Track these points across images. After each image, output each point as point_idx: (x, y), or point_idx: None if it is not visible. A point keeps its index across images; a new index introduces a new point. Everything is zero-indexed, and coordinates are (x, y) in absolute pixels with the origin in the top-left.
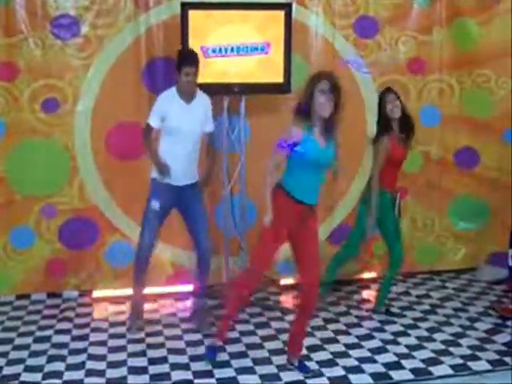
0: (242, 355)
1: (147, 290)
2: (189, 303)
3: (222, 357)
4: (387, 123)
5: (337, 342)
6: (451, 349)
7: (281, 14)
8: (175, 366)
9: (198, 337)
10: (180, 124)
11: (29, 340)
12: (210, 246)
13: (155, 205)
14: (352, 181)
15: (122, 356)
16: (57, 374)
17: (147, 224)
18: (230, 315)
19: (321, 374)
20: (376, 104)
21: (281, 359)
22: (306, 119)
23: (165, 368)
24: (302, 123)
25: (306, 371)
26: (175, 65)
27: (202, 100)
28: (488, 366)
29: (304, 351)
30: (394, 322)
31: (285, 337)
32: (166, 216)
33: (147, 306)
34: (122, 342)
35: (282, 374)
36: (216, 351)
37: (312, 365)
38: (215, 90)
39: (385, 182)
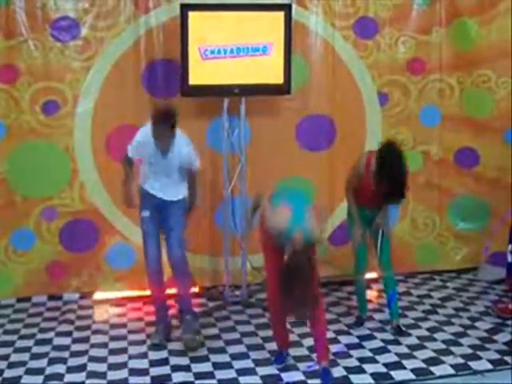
0: (243, 356)
1: (148, 292)
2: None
3: (223, 358)
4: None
5: (338, 342)
6: (452, 348)
7: (280, 15)
8: (176, 368)
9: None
10: (157, 168)
11: (30, 342)
12: (181, 254)
13: (145, 213)
14: None
15: (123, 358)
16: (58, 377)
17: (146, 236)
18: (276, 328)
19: None
20: (375, 105)
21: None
22: None
23: (166, 370)
24: None
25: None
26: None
27: (179, 150)
28: (489, 366)
29: (305, 351)
30: None
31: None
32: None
33: (147, 308)
34: (123, 344)
35: (283, 375)
36: (283, 357)
37: (312, 365)
38: (215, 92)
39: (358, 199)
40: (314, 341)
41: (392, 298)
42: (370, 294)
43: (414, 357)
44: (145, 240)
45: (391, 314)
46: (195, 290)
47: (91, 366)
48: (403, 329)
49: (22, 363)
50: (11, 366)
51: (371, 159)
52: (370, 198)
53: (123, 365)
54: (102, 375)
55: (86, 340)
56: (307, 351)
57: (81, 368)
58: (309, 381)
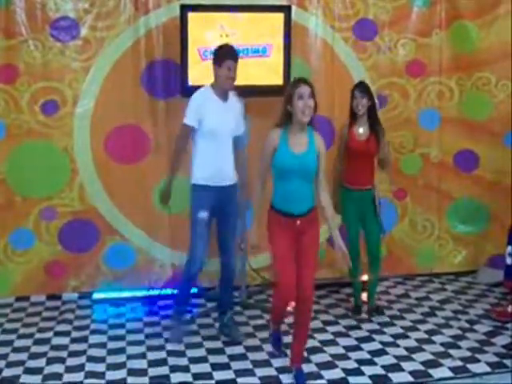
0: (242, 357)
1: (147, 292)
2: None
3: (222, 359)
4: (351, 116)
5: (336, 344)
6: (451, 351)
7: (280, 16)
8: (175, 368)
9: (197, 339)
10: (216, 124)
11: (28, 342)
12: (234, 265)
13: (203, 215)
14: None
15: (121, 358)
16: (56, 376)
17: (199, 238)
18: (273, 332)
19: (320, 377)
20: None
21: (280, 362)
22: (286, 125)
23: (164, 370)
24: (279, 130)
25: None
26: (213, 60)
27: (237, 100)
28: (487, 369)
29: (304, 353)
30: (394, 325)
31: (284, 338)
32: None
33: (147, 308)
34: (121, 344)
35: (281, 377)
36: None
37: (311, 367)
38: None
39: (346, 178)
40: (293, 342)
41: (374, 282)
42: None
43: (413, 359)
44: (195, 242)
45: (369, 297)
46: (194, 290)
47: (89, 366)
48: (377, 311)
49: (21, 362)
50: (10, 365)
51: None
52: (359, 155)
53: (122, 365)
54: (101, 375)
55: (84, 340)
56: (306, 353)
57: (79, 368)
58: (307, 382)
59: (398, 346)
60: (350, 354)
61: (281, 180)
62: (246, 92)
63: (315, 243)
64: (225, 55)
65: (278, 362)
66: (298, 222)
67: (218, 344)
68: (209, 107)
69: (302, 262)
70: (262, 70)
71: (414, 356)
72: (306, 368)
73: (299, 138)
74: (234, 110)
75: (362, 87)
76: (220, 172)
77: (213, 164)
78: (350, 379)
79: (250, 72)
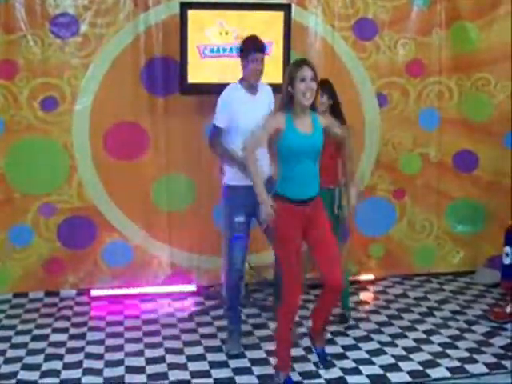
0: (240, 356)
1: (145, 290)
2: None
3: (220, 357)
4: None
5: (334, 343)
6: (448, 351)
7: (280, 14)
8: (173, 366)
9: (195, 337)
10: (246, 122)
11: (26, 338)
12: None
13: (240, 219)
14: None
15: (119, 355)
16: (54, 373)
17: (236, 245)
18: (283, 340)
19: (318, 376)
20: (374, 106)
21: None
22: (288, 108)
23: (162, 368)
24: (283, 114)
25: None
26: (239, 53)
27: (266, 90)
28: (485, 369)
29: (302, 352)
30: (392, 324)
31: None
32: (250, 223)
33: (145, 306)
34: (119, 341)
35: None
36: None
37: (309, 366)
38: (214, 90)
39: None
40: (314, 316)
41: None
42: (367, 295)
43: (411, 359)
44: (232, 250)
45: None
46: (192, 288)
47: (87, 363)
48: (347, 320)
49: (19, 359)
50: (7, 361)
51: None
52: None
53: (120, 362)
54: (99, 372)
55: (82, 337)
56: (304, 352)
57: (77, 365)
58: (306, 382)
59: (396, 345)
60: (348, 354)
61: (289, 164)
62: None
63: (329, 228)
64: (250, 48)
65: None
66: (307, 209)
67: (216, 342)
68: (237, 105)
69: (324, 251)
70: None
71: (411, 356)
72: (304, 367)
73: (303, 119)
74: (264, 102)
75: (322, 85)
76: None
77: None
78: (348, 379)
79: None
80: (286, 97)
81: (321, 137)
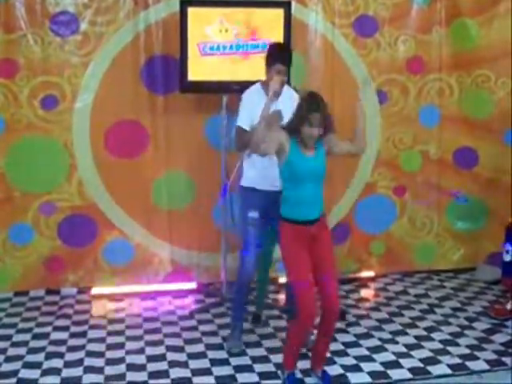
0: (241, 353)
1: (146, 288)
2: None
3: (221, 355)
4: None
5: (335, 340)
6: (449, 348)
7: (280, 12)
8: (173, 364)
9: (196, 335)
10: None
11: (27, 337)
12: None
13: (254, 215)
14: (348, 184)
15: (120, 353)
16: (55, 371)
17: (251, 238)
18: (294, 347)
19: None
20: (375, 103)
21: (279, 358)
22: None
23: (163, 365)
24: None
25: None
26: (265, 57)
27: (289, 94)
28: (486, 366)
29: (303, 350)
30: (393, 321)
31: (283, 335)
32: (268, 223)
33: (146, 304)
34: (120, 339)
35: (280, 372)
36: (295, 379)
37: (309, 363)
38: (214, 88)
39: None
40: (316, 347)
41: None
42: (367, 292)
43: (412, 356)
44: (247, 244)
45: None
46: (193, 286)
47: (88, 361)
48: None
49: (20, 357)
50: (8, 360)
51: None
52: None
53: (120, 360)
54: (99, 370)
55: (83, 335)
56: (305, 350)
57: (78, 363)
58: (307, 380)
59: (396, 342)
60: (349, 351)
61: (293, 185)
62: (244, 87)
63: (331, 248)
64: (276, 59)
65: (276, 358)
66: (312, 229)
67: (217, 340)
68: (258, 109)
69: (323, 271)
70: (261, 65)
71: (412, 353)
72: (304, 364)
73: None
74: (286, 106)
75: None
76: (266, 177)
77: (260, 168)
78: (349, 376)
79: (249, 67)
80: (291, 128)
81: (323, 159)
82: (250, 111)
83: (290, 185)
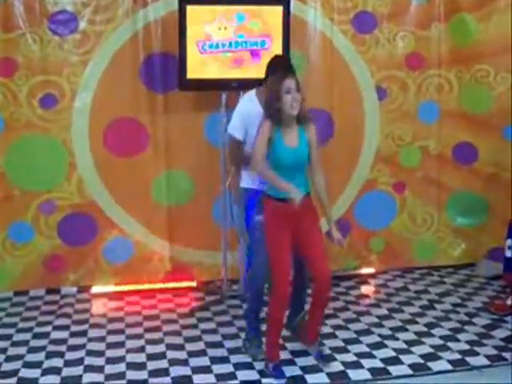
0: (240, 351)
1: (146, 286)
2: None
3: (221, 353)
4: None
5: (335, 336)
6: (449, 344)
7: (279, 9)
8: (174, 362)
9: (196, 333)
10: None
11: (27, 336)
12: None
13: (260, 218)
14: (348, 181)
15: (120, 352)
16: (55, 370)
17: (258, 243)
18: (275, 320)
19: (319, 369)
20: (374, 99)
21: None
22: (275, 120)
23: (163, 364)
24: (270, 123)
25: (323, 358)
26: (266, 70)
27: None
28: (486, 362)
29: (303, 346)
30: (393, 318)
31: (283, 332)
32: None
33: (146, 302)
34: (120, 337)
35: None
36: (281, 370)
37: (310, 360)
38: (213, 86)
39: None
40: (309, 322)
41: None
42: (367, 289)
43: (412, 352)
44: (256, 248)
45: None
46: (193, 284)
47: (89, 360)
48: None
49: (20, 356)
50: (9, 359)
51: None
52: None
53: (121, 359)
54: (100, 369)
55: (83, 334)
56: (304, 346)
57: (78, 362)
58: (307, 376)
59: (396, 339)
60: (349, 347)
61: (277, 172)
62: (244, 85)
63: (317, 224)
64: (272, 70)
65: None
66: (296, 206)
67: (216, 337)
68: (252, 118)
69: (311, 246)
70: (260, 62)
71: (412, 349)
72: (306, 361)
73: (290, 131)
74: None
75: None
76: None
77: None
78: (349, 372)
79: (248, 65)
80: (271, 109)
81: (306, 149)
82: (243, 120)
83: (274, 170)
